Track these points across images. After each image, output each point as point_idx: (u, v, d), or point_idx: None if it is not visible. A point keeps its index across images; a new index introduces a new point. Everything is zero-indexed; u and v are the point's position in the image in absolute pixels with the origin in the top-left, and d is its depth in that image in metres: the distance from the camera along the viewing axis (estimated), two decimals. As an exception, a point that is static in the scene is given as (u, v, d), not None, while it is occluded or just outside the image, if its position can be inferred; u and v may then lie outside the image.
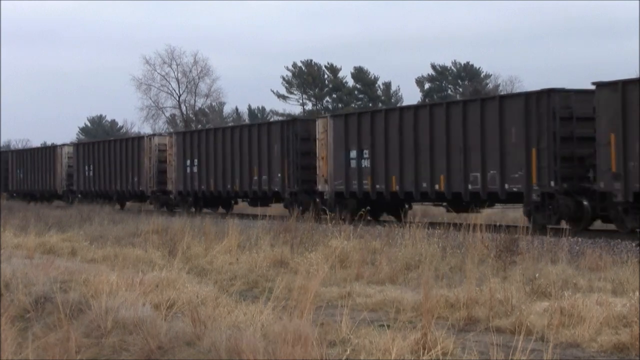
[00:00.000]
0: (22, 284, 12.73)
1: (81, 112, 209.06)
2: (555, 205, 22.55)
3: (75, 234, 23.68)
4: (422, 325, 9.10)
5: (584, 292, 12.22)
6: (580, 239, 19.10)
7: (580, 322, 10.20)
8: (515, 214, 26.90)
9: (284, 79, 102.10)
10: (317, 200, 31.27)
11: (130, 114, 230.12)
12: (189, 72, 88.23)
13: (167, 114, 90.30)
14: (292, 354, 7.98)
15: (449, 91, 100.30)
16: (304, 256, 16.17)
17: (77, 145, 52.78)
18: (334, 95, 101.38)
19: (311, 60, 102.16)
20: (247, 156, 35.43)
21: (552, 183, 22.57)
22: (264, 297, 10.97)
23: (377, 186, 28.56)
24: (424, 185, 26.68)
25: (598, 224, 25.88)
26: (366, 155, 29.12)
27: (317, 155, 31.62)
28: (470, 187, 25.04)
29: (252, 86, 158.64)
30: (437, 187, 26.22)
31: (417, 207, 31.40)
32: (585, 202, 22.17)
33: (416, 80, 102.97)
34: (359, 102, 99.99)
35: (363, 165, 29.25)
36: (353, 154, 29.66)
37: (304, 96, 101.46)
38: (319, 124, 31.77)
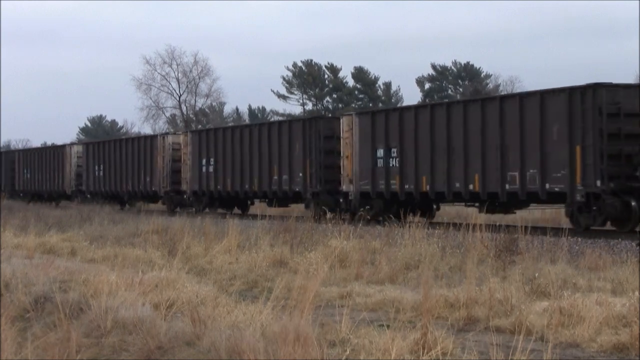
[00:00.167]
0: (22, 284, 12.73)
1: (81, 112, 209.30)
2: (601, 205, 21.54)
3: (75, 234, 23.68)
4: (422, 325, 9.10)
5: (584, 292, 12.21)
6: (579, 239, 19.09)
7: (579, 322, 10.20)
8: (520, 214, 26.59)
9: (284, 79, 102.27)
10: (341, 200, 30.43)
11: (130, 114, 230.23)
12: (189, 72, 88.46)
13: (167, 114, 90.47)
14: (291, 354, 7.98)
15: (449, 91, 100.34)
16: (304, 256, 16.17)
17: (86, 145, 51.60)
18: (334, 95, 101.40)
19: (311, 60, 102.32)
20: (266, 155, 34.47)
21: (598, 182, 21.50)
22: (264, 297, 10.97)
23: (406, 186, 27.56)
24: (457, 185, 25.66)
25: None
26: (394, 154, 28.14)
27: (342, 154, 30.58)
28: (507, 187, 24.01)
29: (252, 86, 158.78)
30: (471, 187, 25.19)
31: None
32: (633, 203, 21.14)
33: (416, 80, 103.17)
34: (359, 102, 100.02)
35: (391, 165, 28.24)
36: (380, 152, 28.67)
37: (304, 96, 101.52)
38: (344, 122, 30.74)
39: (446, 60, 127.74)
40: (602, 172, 21.49)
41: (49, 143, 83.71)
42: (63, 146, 54.38)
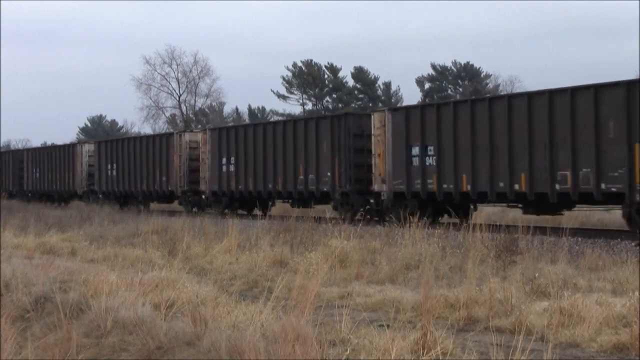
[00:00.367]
0: (22, 284, 12.73)
1: (81, 112, 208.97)
2: None
3: (75, 234, 23.68)
4: (422, 325, 9.10)
5: (584, 292, 12.21)
6: (580, 239, 19.10)
7: (580, 322, 10.20)
8: (520, 214, 26.53)
9: (284, 79, 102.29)
10: (371, 201, 29.28)
11: (130, 114, 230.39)
12: (189, 72, 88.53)
13: (167, 114, 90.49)
14: (291, 353, 7.98)
15: (449, 91, 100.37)
16: (304, 256, 16.16)
17: (98, 143, 49.25)
18: (334, 95, 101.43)
19: (311, 60, 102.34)
20: (291, 154, 33.14)
21: None
22: (264, 297, 10.98)
23: (444, 186, 26.25)
24: (501, 185, 24.31)
25: (599, 224, 25.88)
26: (431, 152, 26.83)
27: (373, 152, 29.25)
28: (558, 187, 22.63)
29: (252, 86, 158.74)
30: (516, 187, 23.86)
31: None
32: None
33: (416, 80, 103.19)
34: (359, 102, 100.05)
35: (427, 163, 26.94)
36: (415, 150, 27.39)
37: (304, 96, 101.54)
38: (375, 118, 29.29)
39: (446, 60, 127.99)
40: None
41: (49, 143, 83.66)
42: (74, 145, 52.87)
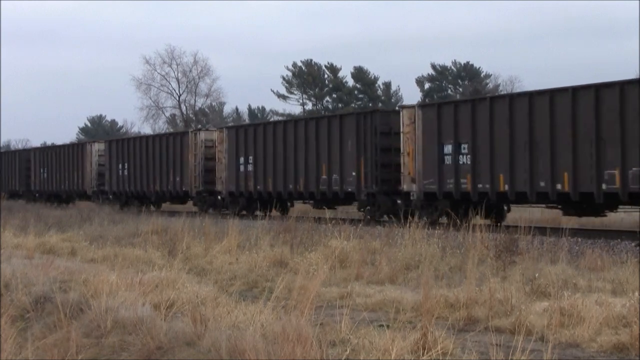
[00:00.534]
0: (22, 284, 12.74)
1: (81, 112, 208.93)
2: None
3: (75, 234, 23.69)
4: (422, 325, 9.10)
5: (584, 292, 12.21)
6: (580, 239, 19.10)
7: (579, 322, 10.20)
8: (520, 214, 26.49)
9: (284, 78, 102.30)
10: (399, 201, 28.09)
11: (130, 114, 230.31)
12: (189, 72, 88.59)
13: (167, 114, 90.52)
14: (292, 354, 7.98)
15: (449, 91, 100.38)
16: (304, 256, 16.17)
17: (109, 142, 47.85)
18: (334, 95, 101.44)
19: (311, 60, 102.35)
20: (313, 153, 31.80)
21: None
22: (264, 297, 10.98)
23: (480, 185, 24.84)
24: (542, 184, 22.88)
25: (599, 224, 25.84)
26: (465, 150, 25.41)
27: (402, 150, 27.67)
28: (605, 186, 21.21)
29: (252, 86, 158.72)
30: (559, 186, 22.43)
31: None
32: None
33: (416, 80, 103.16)
34: (359, 102, 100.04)
35: (461, 162, 25.53)
36: (448, 148, 25.97)
37: (304, 96, 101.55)
38: (404, 115, 27.75)
39: (446, 60, 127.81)
40: None
41: (49, 143, 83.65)
42: (83, 144, 51.67)
